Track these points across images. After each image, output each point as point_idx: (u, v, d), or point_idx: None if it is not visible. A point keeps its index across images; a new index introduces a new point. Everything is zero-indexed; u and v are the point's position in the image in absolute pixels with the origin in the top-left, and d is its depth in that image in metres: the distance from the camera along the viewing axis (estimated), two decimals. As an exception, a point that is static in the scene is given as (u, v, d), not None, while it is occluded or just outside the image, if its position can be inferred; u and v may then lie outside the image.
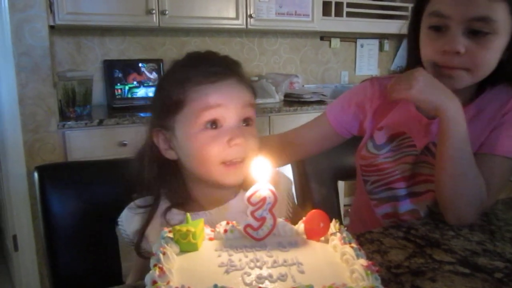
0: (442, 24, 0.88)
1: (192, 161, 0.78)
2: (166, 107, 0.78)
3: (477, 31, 0.85)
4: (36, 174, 0.94)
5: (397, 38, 3.74)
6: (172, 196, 0.81)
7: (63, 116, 2.29)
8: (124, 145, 2.27)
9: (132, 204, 0.84)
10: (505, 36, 0.87)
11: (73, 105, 2.29)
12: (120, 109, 2.53)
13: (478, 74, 0.89)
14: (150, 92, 2.83)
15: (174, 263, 0.53)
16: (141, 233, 0.79)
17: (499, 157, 0.89)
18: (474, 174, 0.85)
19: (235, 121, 0.76)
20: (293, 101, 2.89)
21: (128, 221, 0.83)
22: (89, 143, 2.21)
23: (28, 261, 2.15)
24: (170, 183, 0.81)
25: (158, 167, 0.81)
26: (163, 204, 0.81)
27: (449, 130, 0.83)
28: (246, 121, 0.78)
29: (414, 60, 0.98)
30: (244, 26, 2.81)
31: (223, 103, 0.75)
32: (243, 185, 0.80)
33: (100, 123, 2.22)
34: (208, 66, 0.78)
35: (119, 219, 0.84)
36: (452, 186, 0.85)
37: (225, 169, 0.76)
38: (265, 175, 0.58)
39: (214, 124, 0.75)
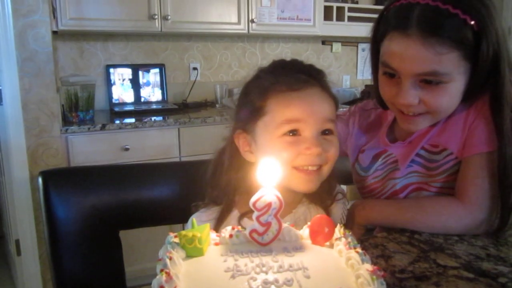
0: (393, 73, 0.86)
1: None
2: (249, 112, 0.81)
3: (429, 81, 0.83)
4: (40, 179, 0.94)
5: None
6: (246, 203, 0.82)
7: (66, 121, 2.30)
8: (127, 149, 2.27)
9: (196, 214, 0.84)
10: (461, 79, 0.83)
11: (76, 110, 2.30)
12: (123, 114, 2.54)
13: (440, 115, 0.89)
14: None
15: (180, 268, 0.53)
16: None
17: (477, 155, 0.86)
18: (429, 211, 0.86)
19: (314, 132, 0.78)
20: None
21: None
22: (92, 148, 2.22)
23: (30, 265, 2.14)
24: (245, 188, 0.81)
25: (235, 170, 0.83)
26: (234, 211, 0.83)
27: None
28: (325, 132, 0.80)
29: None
30: (246, 31, 2.82)
31: (302, 118, 0.77)
32: (308, 194, 0.83)
33: (103, 127, 2.23)
34: (291, 74, 0.80)
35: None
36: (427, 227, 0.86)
37: (298, 174, 0.78)
38: (272, 179, 0.59)
39: (292, 132, 0.77)
